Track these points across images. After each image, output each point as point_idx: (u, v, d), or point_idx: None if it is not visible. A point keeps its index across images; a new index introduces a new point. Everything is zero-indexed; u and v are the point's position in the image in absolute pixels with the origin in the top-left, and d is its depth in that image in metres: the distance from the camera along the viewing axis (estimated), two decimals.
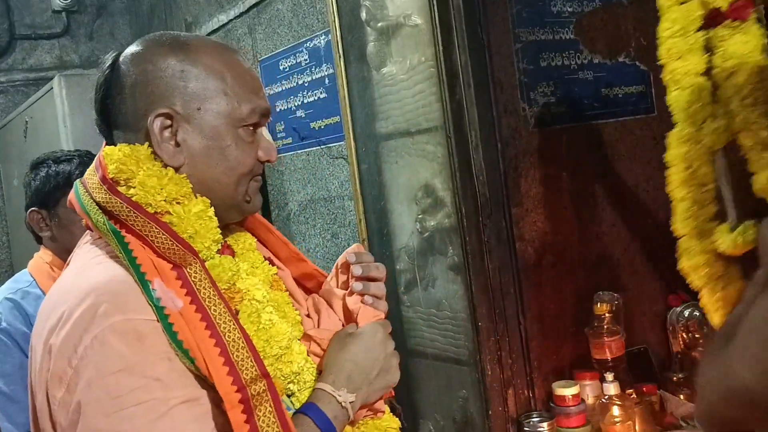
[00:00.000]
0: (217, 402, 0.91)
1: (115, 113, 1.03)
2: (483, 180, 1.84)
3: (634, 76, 2.13)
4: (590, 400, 1.85)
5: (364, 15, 2.09)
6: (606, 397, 1.77)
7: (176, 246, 0.94)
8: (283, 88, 2.76)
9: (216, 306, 0.93)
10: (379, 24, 2.06)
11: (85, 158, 1.87)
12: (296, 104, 2.69)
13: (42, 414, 0.94)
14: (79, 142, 2.47)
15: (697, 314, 2.04)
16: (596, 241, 2.02)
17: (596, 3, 2.06)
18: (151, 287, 0.92)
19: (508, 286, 1.86)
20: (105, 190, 0.97)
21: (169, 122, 1.00)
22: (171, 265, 0.94)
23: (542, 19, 1.96)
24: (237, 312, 0.98)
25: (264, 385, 0.92)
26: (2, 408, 1.69)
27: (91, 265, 0.99)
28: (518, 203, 1.89)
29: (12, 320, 1.76)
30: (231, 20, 3.06)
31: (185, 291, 0.93)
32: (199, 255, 0.97)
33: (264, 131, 1.08)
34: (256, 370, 0.92)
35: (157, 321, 0.91)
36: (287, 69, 2.72)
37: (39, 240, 1.91)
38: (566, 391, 1.77)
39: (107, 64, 1.05)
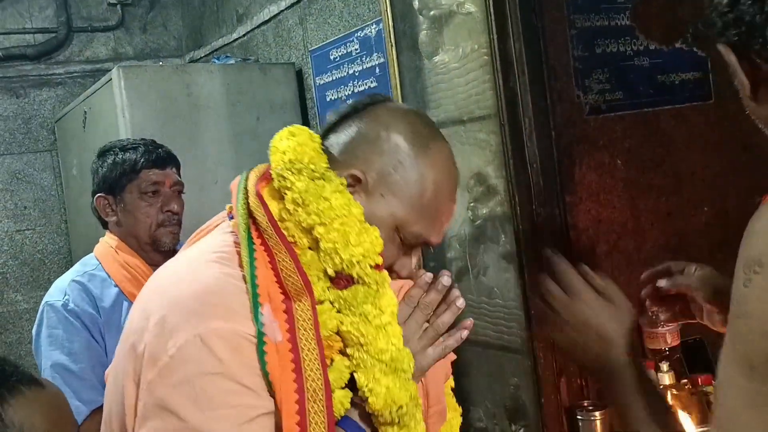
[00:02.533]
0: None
1: (331, 138, 1.06)
2: (536, 168, 1.83)
3: (691, 62, 2.09)
4: None
5: (416, 3, 2.09)
6: (660, 386, 1.75)
7: (296, 276, 0.97)
8: (334, 78, 2.78)
9: (311, 351, 0.95)
10: (432, 12, 2.06)
11: (150, 147, 1.93)
12: (347, 94, 2.71)
13: (123, 380, 0.98)
14: (138, 132, 2.52)
15: None
16: (652, 230, 1.99)
17: None
18: (260, 310, 0.94)
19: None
20: (256, 194, 1.01)
21: (353, 183, 1.03)
22: (283, 297, 0.96)
23: (598, 5, 1.94)
24: (332, 362, 0.99)
25: None
26: (70, 385, 1.76)
27: (215, 259, 1.01)
28: (572, 191, 1.88)
29: (79, 301, 1.83)
30: (282, 11, 3.09)
31: (287, 327, 0.95)
32: (314, 293, 0.98)
33: (415, 252, 1.09)
34: (324, 427, 0.93)
35: (255, 338, 0.94)
36: (338, 59, 2.74)
37: (105, 225, 1.98)
38: None
39: (366, 101, 1.09)
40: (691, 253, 2.06)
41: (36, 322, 1.89)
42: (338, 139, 1.06)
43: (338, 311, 1.00)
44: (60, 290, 1.88)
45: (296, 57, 3.06)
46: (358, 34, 2.60)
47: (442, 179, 1.05)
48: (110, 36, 4.16)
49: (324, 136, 1.08)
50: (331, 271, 0.99)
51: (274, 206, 1.01)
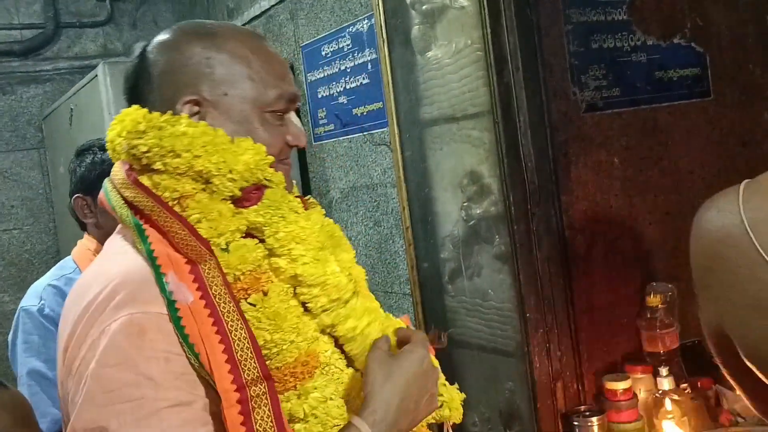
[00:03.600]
0: (215, 404, 0.90)
1: (145, 102, 1.02)
2: (531, 166, 1.78)
3: (690, 58, 2.04)
4: (642, 395, 1.78)
5: None
6: (660, 391, 1.71)
7: (193, 241, 0.94)
8: (325, 74, 2.73)
9: (225, 303, 0.92)
10: (424, 7, 2.01)
11: None
12: (338, 90, 2.66)
13: (63, 404, 0.96)
14: None
15: None
16: (649, 229, 1.95)
17: None
18: (164, 279, 0.92)
19: (557, 277, 1.81)
20: (130, 184, 0.98)
21: (197, 108, 1.01)
22: (186, 260, 0.94)
23: (594, 0, 1.89)
24: (266, 293, 0.96)
25: (264, 387, 0.91)
26: (47, 392, 1.71)
27: (114, 255, 1.00)
28: (568, 190, 1.83)
29: (55, 306, 1.79)
30: (273, 6, 3.04)
31: (197, 285, 0.92)
32: (222, 241, 0.96)
33: (292, 116, 1.07)
34: (257, 372, 0.90)
35: (167, 315, 0.91)
36: (329, 54, 2.69)
37: (83, 227, 1.92)
38: (618, 385, 1.71)
39: (135, 54, 1.07)
40: (688, 252, 2.02)
41: (12, 328, 1.84)
42: (153, 96, 1.02)
43: (260, 235, 0.98)
44: (35, 295, 1.83)
45: (287, 53, 3.01)
46: (350, 29, 2.55)
47: (248, 43, 1.04)
48: (99, 32, 4.09)
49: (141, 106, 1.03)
50: (237, 191, 0.97)
51: (145, 181, 0.98)
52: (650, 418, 1.73)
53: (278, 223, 0.97)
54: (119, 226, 1.05)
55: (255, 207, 0.98)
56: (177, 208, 0.96)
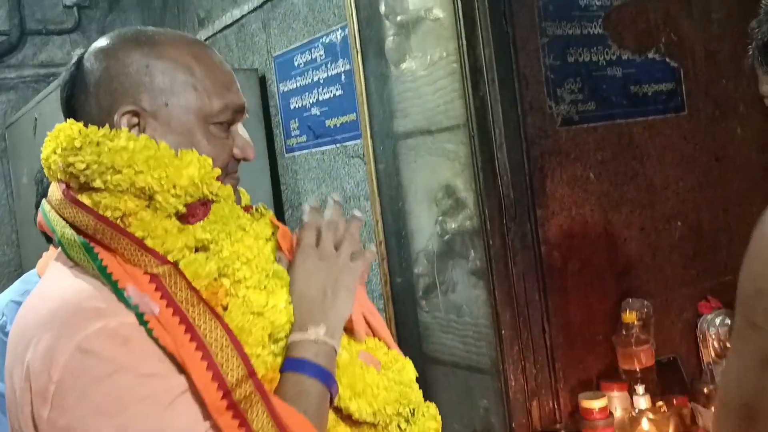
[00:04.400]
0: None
1: (81, 113, 0.97)
2: (507, 180, 1.76)
3: (664, 72, 2.04)
4: (618, 413, 1.76)
5: (383, 8, 2.01)
6: (636, 410, 1.69)
7: (146, 256, 0.89)
8: (298, 85, 2.69)
9: (194, 306, 0.88)
10: (399, 18, 1.98)
11: None
12: (311, 101, 2.62)
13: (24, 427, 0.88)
14: None
15: (729, 322, 1.95)
16: (624, 245, 1.94)
17: None
18: (125, 294, 0.87)
19: (533, 292, 1.78)
20: (68, 204, 0.92)
21: (135, 120, 0.95)
22: (143, 272, 0.89)
23: (569, 13, 1.88)
24: (226, 308, 0.91)
25: (251, 385, 0.86)
26: (6, 412, 1.64)
27: (61, 278, 0.94)
28: (544, 205, 1.81)
29: None
30: (245, 15, 2.99)
31: (160, 294, 0.87)
32: (169, 259, 0.90)
33: (240, 128, 1.02)
34: (242, 370, 0.86)
35: (138, 324, 0.86)
36: (302, 65, 2.65)
37: (48, 239, 1.85)
38: (594, 403, 1.68)
39: (72, 62, 1.00)
40: (664, 268, 2.01)
41: None
42: (87, 108, 0.96)
43: (208, 250, 0.93)
44: None
45: (259, 62, 2.96)
46: (323, 39, 2.51)
47: (192, 50, 0.98)
48: (66, 39, 4.01)
49: (76, 119, 0.97)
50: (181, 207, 0.91)
51: (86, 200, 0.92)
52: None
53: (224, 241, 0.93)
54: (57, 252, 0.98)
55: (201, 223, 0.93)
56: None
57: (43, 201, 0.98)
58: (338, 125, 2.47)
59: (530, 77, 1.81)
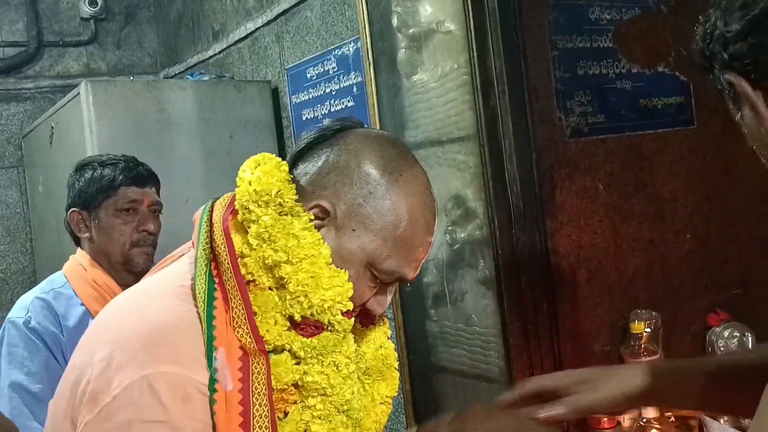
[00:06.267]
0: None
1: (300, 166, 1.00)
2: (517, 191, 1.77)
3: (674, 86, 2.06)
4: (626, 423, 1.76)
5: (395, 22, 2.04)
6: (644, 419, 1.69)
7: (248, 329, 0.90)
8: (310, 97, 2.72)
9: (261, 406, 0.89)
10: (411, 31, 2.01)
11: (130, 164, 1.87)
12: (323, 113, 2.65)
13: (61, 419, 0.91)
14: (105, 148, 2.43)
15: (737, 335, 1.95)
16: (633, 256, 1.95)
17: (635, 11, 1.99)
18: (214, 354, 0.88)
19: (541, 302, 1.79)
20: (222, 230, 0.94)
21: (322, 216, 0.96)
22: (240, 344, 0.90)
23: (580, 27, 1.90)
24: (286, 414, 0.93)
25: None
26: (28, 405, 1.68)
27: (170, 292, 0.95)
28: (553, 216, 1.83)
29: (41, 319, 1.75)
30: (258, 28, 3.04)
31: (241, 375, 0.89)
32: (266, 350, 0.92)
33: (390, 289, 1.02)
34: None
35: (207, 387, 0.87)
36: (314, 77, 2.69)
37: (77, 241, 1.89)
38: None
39: (337, 126, 1.02)
40: (672, 280, 2.02)
41: None
42: (306, 169, 0.98)
43: (298, 362, 0.93)
44: (23, 307, 1.80)
45: (272, 75, 3.00)
46: (336, 52, 2.55)
47: (416, 210, 0.97)
48: (83, 51, 4.07)
49: (292, 164, 1.00)
50: (297, 317, 0.92)
51: (237, 240, 0.94)
52: None
53: (313, 367, 0.93)
54: (186, 255, 1.00)
55: (303, 339, 0.93)
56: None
57: (209, 202, 1.00)
58: None
59: (540, 89, 1.83)
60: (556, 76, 1.85)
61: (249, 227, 0.93)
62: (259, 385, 0.89)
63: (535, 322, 1.77)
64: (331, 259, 0.93)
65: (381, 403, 1.05)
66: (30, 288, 1.95)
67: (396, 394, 1.08)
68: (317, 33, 2.65)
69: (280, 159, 0.99)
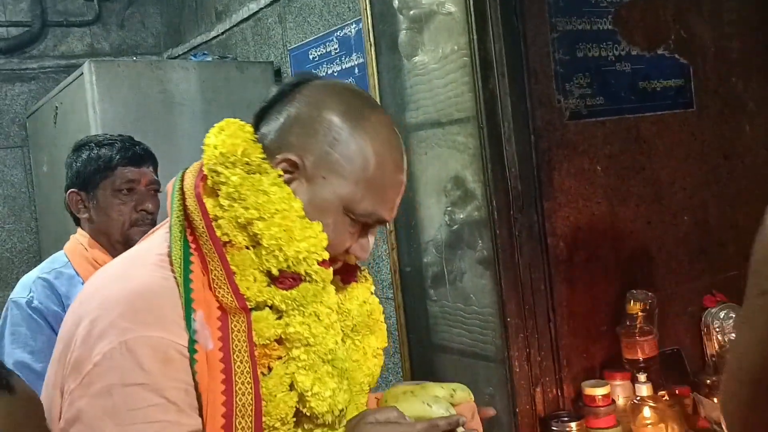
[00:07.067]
0: None
1: (263, 127, 1.01)
2: (515, 172, 1.79)
3: (673, 69, 2.07)
4: (620, 401, 1.80)
5: (396, 3, 2.05)
6: (638, 398, 1.72)
7: (228, 292, 0.92)
8: None
9: (243, 363, 0.91)
10: (412, 12, 2.02)
11: (127, 143, 1.87)
12: None
13: (51, 389, 0.93)
14: (108, 128, 2.45)
15: (733, 316, 1.98)
16: (630, 238, 1.97)
17: None
18: (192, 316, 0.90)
19: (539, 282, 1.81)
20: (194, 196, 0.96)
21: (291, 170, 0.98)
22: (218, 305, 0.92)
23: (580, 9, 1.91)
24: (270, 369, 0.94)
25: None
26: (33, 384, 1.68)
27: (148, 263, 0.96)
28: (551, 197, 1.84)
29: (44, 299, 1.77)
30: (261, 9, 3.04)
31: (220, 335, 0.90)
32: (248, 307, 0.93)
33: (370, 231, 1.03)
34: None
35: (187, 349, 0.89)
36: (317, 58, 2.69)
37: (77, 221, 1.91)
38: (596, 390, 1.72)
39: (293, 81, 1.03)
40: (670, 262, 2.04)
41: (0, 319, 1.83)
42: (270, 127, 1.00)
43: (279, 316, 0.95)
44: (25, 287, 1.82)
45: (275, 56, 3.01)
46: (338, 33, 2.56)
47: (383, 150, 0.99)
48: (86, 31, 4.07)
49: (255, 125, 1.02)
50: (275, 270, 0.94)
51: (209, 204, 0.96)
52: (628, 425, 1.74)
53: (294, 319, 0.94)
54: (164, 226, 1.02)
55: (283, 292, 0.95)
56: None
57: (180, 173, 1.02)
58: None
59: (540, 71, 1.84)
60: (556, 58, 1.86)
61: (219, 189, 0.94)
62: (239, 342, 0.91)
63: (532, 302, 1.80)
64: (303, 212, 0.95)
65: (373, 356, 1.07)
66: (35, 266, 1.98)
67: (386, 344, 1.09)
68: (319, 14, 2.66)
69: (243, 122, 1.00)
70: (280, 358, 0.95)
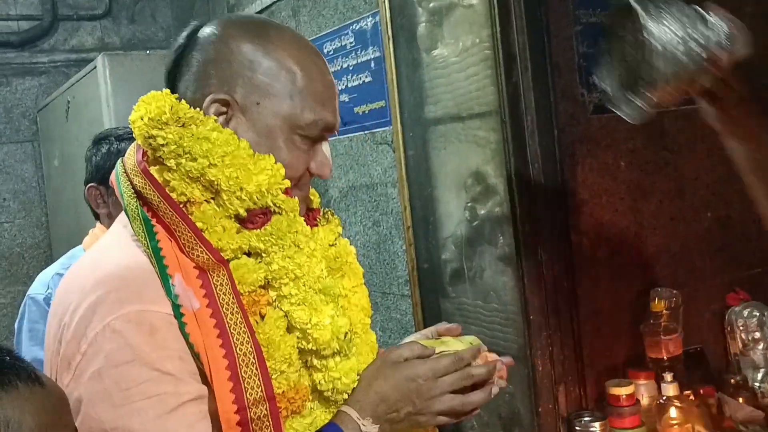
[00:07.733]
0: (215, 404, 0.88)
1: (179, 86, 0.99)
2: (538, 167, 1.76)
3: None
4: (645, 401, 1.77)
5: None
6: (664, 397, 1.69)
7: (201, 250, 0.90)
8: None
9: (233, 314, 0.89)
10: (432, 5, 1.99)
11: None
12: (340, 88, 2.63)
13: None
14: (121, 122, 2.44)
15: (757, 314, 1.95)
16: (654, 234, 1.94)
17: None
18: (170, 282, 0.88)
19: (562, 279, 1.78)
20: (139, 172, 0.94)
21: (224, 109, 0.96)
22: (194, 265, 0.90)
23: (603, 1, 1.87)
24: (263, 317, 0.93)
25: (266, 409, 0.88)
26: None
27: (115, 247, 0.96)
28: (574, 192, 1.82)
29: None
30: (275, 2, 3.01)
31: (204, 292, 0.89)
32: (224, 258, 0.91)
33: (324, 145, 1.01)
34: (261, 392, 0.88)
35: (173, 316, 0.87)
36: (332, 52, 2.66)
37: (96, 216, 1.90)
38: (621, 390, 1.69)
39: (185, 34, 1.01)
40: (692, 259, 2.01)
41: (19, 315, 1.82)
42: (186, 83, 0.98)
43: (260, 258, 0.93)
44: (43, 283, 1.82)
45: None
46: (353, 26, 2.52)
47: (302, 56, 0.98)
48: (96, 25, 4.05)
49: (172, 89, 0.99)
50: (242, 211, 0.92)
51: (156, 173, 0.94)
52: (651, 425, 1.71)
53: (276, 254, 0.93)
54: (121, 214, 1.01)
55: (258, 231, 0.93)
56: None
57: (119, 161, 1.00)
58: (367, 112, 2.48)
59: (563, 65, 1.81)
60: (579, 51, 1.83)
61: (162, 153, 0.92)
62: (225, 296, 0.89)
63: (555, 300, 1.77)
64: (251, 150, 0.93)
65: (353, 294, 1.03)
66: (45, 262, 1.97)
67: (362, 281, 1.08)
68: (334, 7, 2.63)
69: (161, 91, 0.98)
70: (269, 304, 0.93)
